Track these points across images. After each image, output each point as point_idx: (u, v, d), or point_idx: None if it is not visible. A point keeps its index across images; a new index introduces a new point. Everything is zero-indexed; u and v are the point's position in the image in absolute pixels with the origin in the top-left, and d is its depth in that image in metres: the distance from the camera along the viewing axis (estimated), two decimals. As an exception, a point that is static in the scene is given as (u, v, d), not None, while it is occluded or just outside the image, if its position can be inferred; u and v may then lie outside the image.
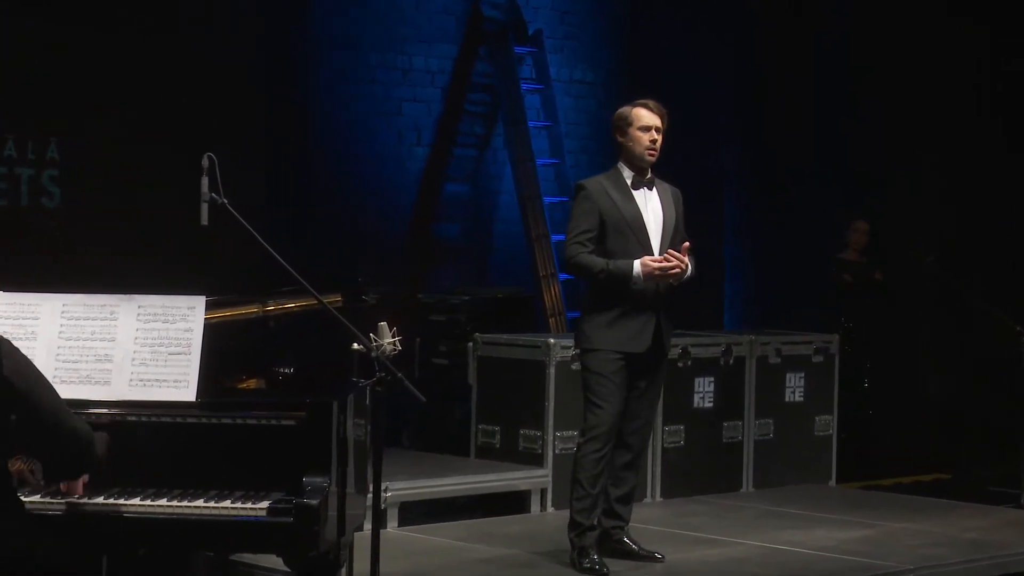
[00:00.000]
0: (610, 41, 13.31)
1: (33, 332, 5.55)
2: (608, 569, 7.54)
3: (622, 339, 7.47)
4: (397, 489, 8.55)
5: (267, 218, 9.01)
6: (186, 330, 5.54)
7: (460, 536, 8.45)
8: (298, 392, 5.87)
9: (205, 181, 5.55)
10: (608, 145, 12.23)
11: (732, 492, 10.04)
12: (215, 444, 5.43)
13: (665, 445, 9.73)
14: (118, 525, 5.25)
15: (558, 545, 7.96)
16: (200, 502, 5.27)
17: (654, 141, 7.52)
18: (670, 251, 7.40)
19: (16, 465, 4.94)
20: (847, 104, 13.24)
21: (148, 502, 5.27)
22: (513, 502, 9.28)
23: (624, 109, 7.61)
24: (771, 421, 10.30)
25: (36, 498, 5.22)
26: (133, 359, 5.52)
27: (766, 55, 13.44)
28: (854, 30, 13.12)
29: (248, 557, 6.89)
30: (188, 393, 5.46)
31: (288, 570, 5.75)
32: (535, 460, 9.35)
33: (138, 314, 5.58)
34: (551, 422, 9.32)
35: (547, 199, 12.37)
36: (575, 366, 9.14)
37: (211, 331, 5.60)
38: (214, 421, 5.45)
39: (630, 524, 7.91)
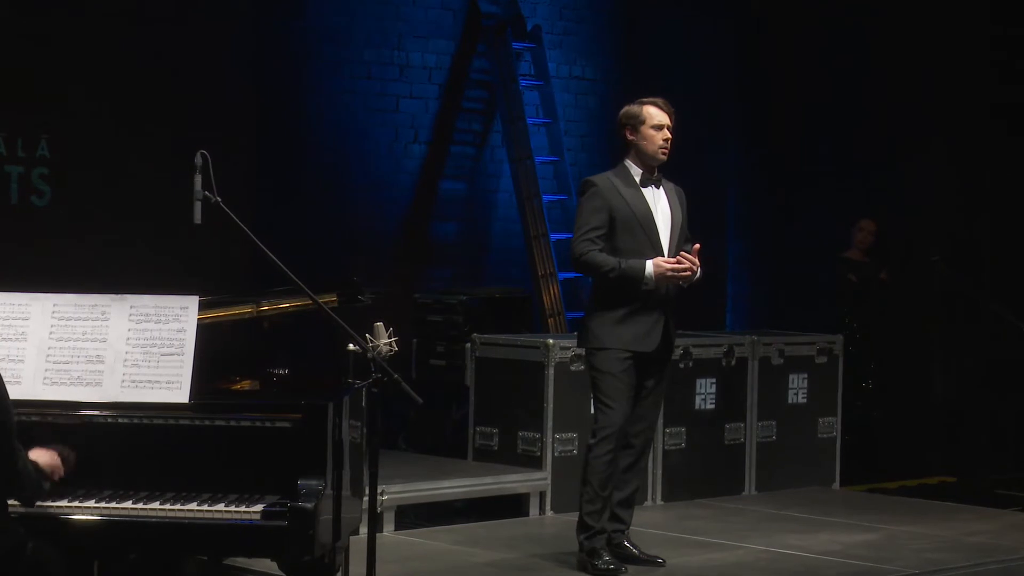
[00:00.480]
0: (610, 36, 13.28)
1: (23, 333, 5.53)
2: (624, 567, 7.52)
3: (632, 338, 7.44)
4: (393, 492, 8.50)
5: (260, 216, 8.98)
6: (179, 331, 5.51)
7: (458, 540, 8.43)
8: (293, 394, 5.84)
9: (198, 179, 5.51)
10: (608, 142, 12.27)
11: (734, 495, 10.01)
12: (208, 447, 5.40)
13: (666, 447, 9.71)
14: (110, 529, 5.22)
15: (558, 549, 7.96)
16: (193, 505, 5.24)
17: (667, 140, 7.54)
18: (683, 253, 7.40)
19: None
20: (853, 101, 13.17)
21: (140, 505, 5.24)
22: (512, 505, 9.26)
23: (633, 107, 7.59)
24: (774, 423, 10.25)
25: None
26: (125, 360, 5.49)
27: (769, 50, 13.38)
28: (861, 26, 13.04)
29: (242, 561, 6.85)
30: (181, 395, 5.43)
31: (282, 575, 5.69)
32: (534, 462, 9.31)
33: (130, 314, 5.56)
34: (550, 424, 9.28)
35: (546, 197, 12.34)
36: (575, 367, 9.12)
37: (204, 331, 5.58)
38: (207, 423, 5.43)
39: (631, 528, 7.85)
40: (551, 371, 9.25)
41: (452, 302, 11.05)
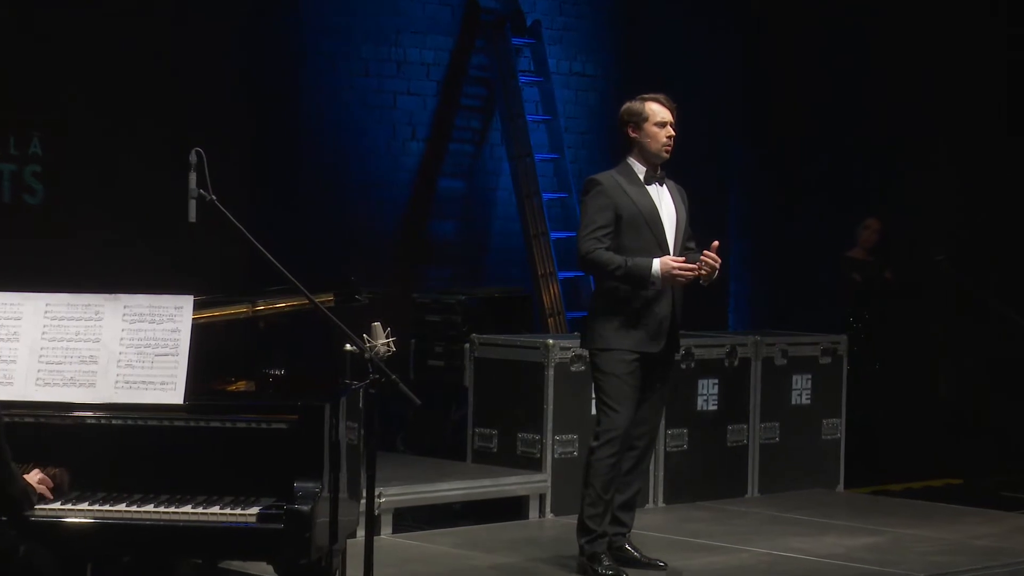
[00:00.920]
0: (611, 32, 13.28)
1: (15, 333, 5.52)
2: (625, 572, 7.48)
3: (639, 339, 7.40)
4: (391, 495, 8.45)
5: (256, 215, 8.91)
6: (173, 331, 5.50)
7: (456, 543, 8.40)
8: (289, 395, 5.80)
9: (193, 177, 5.51)
10: (608, 139, 12.22)
11: (736, 497, 9.97)
12: (203, 448, 5.39)
13: (668, 449, 9.68)
14: (103, 531, 5.21)
15: (558, 552, 7.94)
16: (188, 508, 5.23)
17: (671, 137, 7.50)
18: (706, 252, 7.33)
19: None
20: (853, 101, 13.16)
21: (134, 508, 5.24)
22: (511, 508, 9.22)
23: (635, 104, 7.54)
24: (777, 424, 10.21)
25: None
26: (119, 361, 5.47)
27: (771, 48, 13.37)
28: (861, 26, 13.02)
29: (237, 565, 6.87)
30: (175, 396, 5.42)
31: (278, 578, 5.63)
32: (533, 464, 9.28)
33: (124, 314, 5.54)
34: (550, 425, 9.24)
35: (546, 195, 12.33)
36: (575, 367, 9.07)
37: (199, 332, 5.57)
38: (202, 424, 5.41)
39: (632, 531, 7.82)
40: (551, 372, 9.20)
41: (451, 302, 11.03)
